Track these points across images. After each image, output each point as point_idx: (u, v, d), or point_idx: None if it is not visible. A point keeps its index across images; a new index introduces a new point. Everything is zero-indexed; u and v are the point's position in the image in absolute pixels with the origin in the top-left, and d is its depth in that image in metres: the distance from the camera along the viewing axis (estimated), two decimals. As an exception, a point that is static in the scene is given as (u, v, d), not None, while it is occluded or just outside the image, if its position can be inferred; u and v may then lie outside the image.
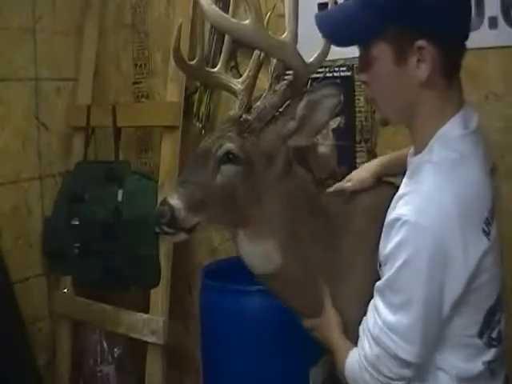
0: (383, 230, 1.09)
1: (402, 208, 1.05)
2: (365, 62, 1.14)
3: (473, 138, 1.10)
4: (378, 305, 1.08)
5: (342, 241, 1.35)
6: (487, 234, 1.05)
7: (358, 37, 1.12)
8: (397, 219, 1.03)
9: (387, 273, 1.06)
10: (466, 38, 1.10)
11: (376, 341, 1.07)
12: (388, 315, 1.05)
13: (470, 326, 1.09)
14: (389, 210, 1.11)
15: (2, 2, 2.37)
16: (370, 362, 1.08)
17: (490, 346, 1.11)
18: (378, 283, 1.09)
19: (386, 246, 1.06)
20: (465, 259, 1.01)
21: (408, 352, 1.05)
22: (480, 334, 1.09)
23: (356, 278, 1.31)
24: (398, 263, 1.03)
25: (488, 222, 1.06)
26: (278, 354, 1.79)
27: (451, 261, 1.01)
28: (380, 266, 1.13)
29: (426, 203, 1.02)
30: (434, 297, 1.02)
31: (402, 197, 1.07)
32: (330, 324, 1.32)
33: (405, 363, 1.06)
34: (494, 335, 1.11)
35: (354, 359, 1.14)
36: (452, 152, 1.07)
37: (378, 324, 1.07)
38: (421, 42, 1.05)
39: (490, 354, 1.11)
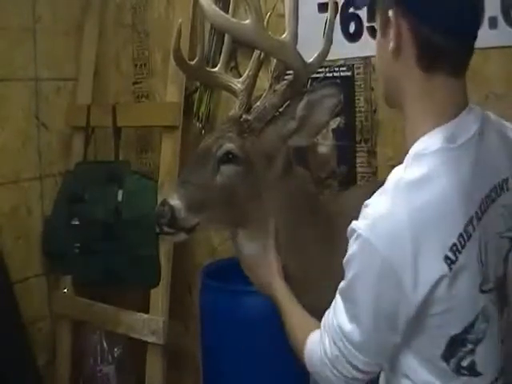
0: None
1: (361, 220, 1.00)
2: None
3: (457, 153, 0.99)
4: (338, 304, 1.04)
5: (342, 241, 1.34)
6: (452, 262, 0.94)
7: None
8: (354, 230, 1.00)
9: (344, 280, 1.03)
10: (457, 34, 1.00)
11: (334, 342, 1.03)
12: (344, 321, 1.01)
13: (433, 348, 1.00)
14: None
15: (1, 1, 2.37)
16: (331, 360, 1.05)
17: (458, 373, 0.99)
18: (341, 284, 1.04)
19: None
20: (415, 285, 0.93)
21: (360, 361, 1.01)
22: (444, 359, 0.99)
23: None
24: (350, 276, 1.00)
25: (456, 249, 0.94)
26: (278, 354, 1.79)
27: (402, 283, 0.94)
28: None
29: (380, 222, 0.97)
30: (384, 314, 0.97)
31: (367, 206, 1.01)
32: (271, 267, 1.30)
33: (358, 369, 1.02)
34: (464, 364, 0.99)
35: (316, 353, 1.09)
36: (422, 168, 0.97)
37: (333, 326, 1.03)
38: (390, 12, 1.00)
39: (460, 381, 1.00)
